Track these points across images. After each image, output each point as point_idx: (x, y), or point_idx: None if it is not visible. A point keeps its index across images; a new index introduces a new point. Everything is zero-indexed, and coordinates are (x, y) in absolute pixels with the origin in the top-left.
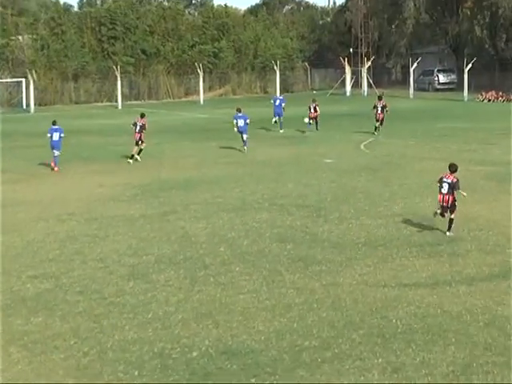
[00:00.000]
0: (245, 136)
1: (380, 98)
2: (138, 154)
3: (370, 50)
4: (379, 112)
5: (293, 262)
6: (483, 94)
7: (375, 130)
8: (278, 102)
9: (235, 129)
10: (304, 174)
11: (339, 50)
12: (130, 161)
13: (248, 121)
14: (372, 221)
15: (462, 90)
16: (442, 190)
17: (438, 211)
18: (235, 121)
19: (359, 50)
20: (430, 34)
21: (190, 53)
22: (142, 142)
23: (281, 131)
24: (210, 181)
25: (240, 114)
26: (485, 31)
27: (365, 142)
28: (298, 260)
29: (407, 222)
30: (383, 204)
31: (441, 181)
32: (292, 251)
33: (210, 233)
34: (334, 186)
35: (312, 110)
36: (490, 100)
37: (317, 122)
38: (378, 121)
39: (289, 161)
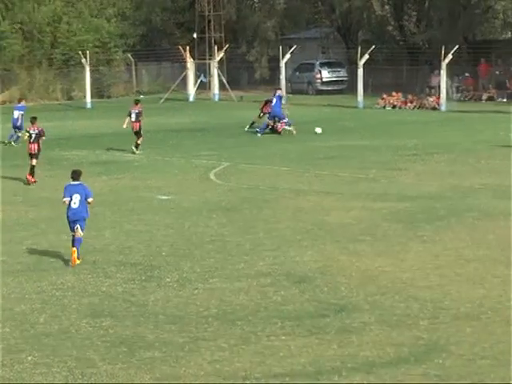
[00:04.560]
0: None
1: (137, 103)
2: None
3: (224, 35)
4: (134, 121)
5: (112, 347)
6: (385, 97)
7: (135, 147)
8: None
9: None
10: (127, 217)
11: (178, 34)
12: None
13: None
14: (227, 284)
15: (356, 92)
16: None
17: None
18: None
19: (207, 36)
20: (310, 12)
21: None
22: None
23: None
24: None
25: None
26: (387, 7)
27: (216, 170)
28: (120, 343)
29: (278, 284)
30: (243, 259)
31: None
32: (110, 330)
33: None
34: (171, 233)
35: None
36: (394, 106)
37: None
38: (135, 133)
39: (104, 198)
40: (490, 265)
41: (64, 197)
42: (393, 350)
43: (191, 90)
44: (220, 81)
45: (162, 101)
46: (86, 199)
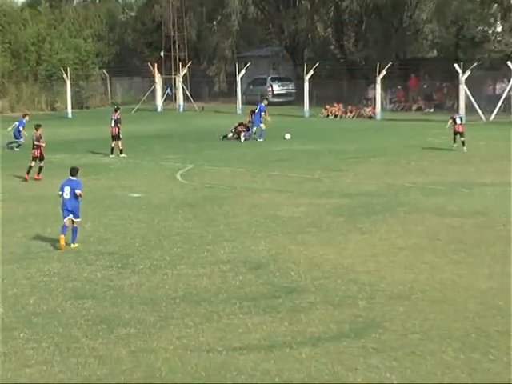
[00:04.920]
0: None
1: (116, 110)
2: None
3: (187, 53)
4: (112, 126)
5: (93, 325)
6: (327, 108)
7: (111, 151)
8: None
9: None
10: (104, 212)
11: (147, 53)
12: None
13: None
14: (192, 270)
15: (303, 103)
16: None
17: None
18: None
19: (172, 54)
20: (262, 34)
21: None
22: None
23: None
24: None
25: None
26: (329, 29)
27: (182, 171)
28: (100, 321)
29: (236, 270)
30: (206, 248)
31: None
32: (91, 310)
33: None
34: (143, 226)
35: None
36: (336, 116)
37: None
38: (113, 139)
39: (84, 196)
40: (419, 252)
41: (60, 190)
42: (336, 327)
43: (159, 101)
44: (184, 93)
45: (133, 111)
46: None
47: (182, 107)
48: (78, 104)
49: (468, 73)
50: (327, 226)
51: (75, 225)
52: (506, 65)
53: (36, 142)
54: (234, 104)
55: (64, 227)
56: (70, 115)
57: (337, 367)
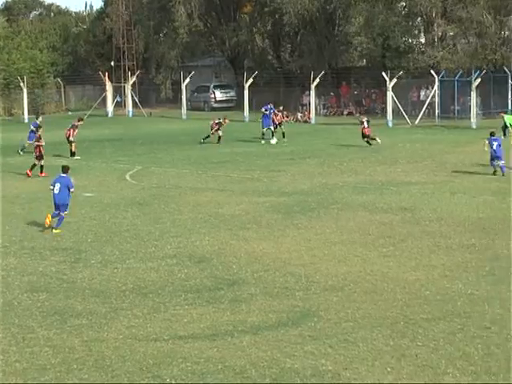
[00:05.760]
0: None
1: (80, 120)
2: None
3: (135, 63)
4: (67, 128)
5: (47, 316)
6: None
7: (71, 154)
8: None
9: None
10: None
11: (98, 63)
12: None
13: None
14: (141, 264)
15: (243, 108)
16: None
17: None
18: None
19: (122, 63)
20: (205, 44)
21: None
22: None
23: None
24: None
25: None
26: (267, 40)
27: (131, 172)
28: (54, 313)
29: (182, 264)
30: (153, 244)
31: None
32: (46, 302)
33: None
34: (95, 223)
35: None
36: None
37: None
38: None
39: (40, 195)
40: (351, 246)
41: (51, 185)
42: (274, 316)
43: (110, 107)
44: (133, 100)
45: (86, 116)
46: (68, 188)
47: (131, 113)
48: (34, 110)
49: (394, 80)
50: (266, 223)
51: (62, 215)
52: (430, 73)
53: (36, 143)
54: (180, 110)
55: (61, 218)
56: (26, 120)
57: (276, 354)
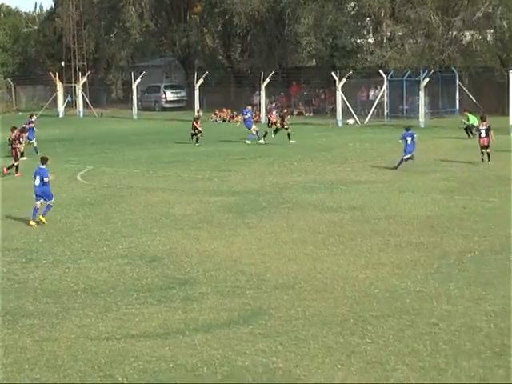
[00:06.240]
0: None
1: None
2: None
3: (86, 63)
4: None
5: None
6: (216, 113)
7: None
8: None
9: None
10: (9, 211)
11: (49, 63)
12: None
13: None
14: (92, 264)
15: (194, 108)
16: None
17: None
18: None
19: (73, 64)
20: (156, 45)
21: None
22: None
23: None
24: None
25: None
26: (217, 41)
27: (82, 172)
28: (5, 313)
29: (133, 264)
30: (105, 244)
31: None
32: None
33: None
34: (46, 224)
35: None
36: (224, 120)
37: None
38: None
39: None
40: (301, 245)
41: (33, 177)
42: (226, 314)
43: (61, 107)
44: (84, 100)
45: (36, 117)
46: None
47: (81, 113)
48: None
49: (344, 80)
50: (217, 222)
51: (49, 203)
52: (379, 73)
53: (13, 145)
54: (130, 110)
55: (35, 210)
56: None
57: (227, 352)
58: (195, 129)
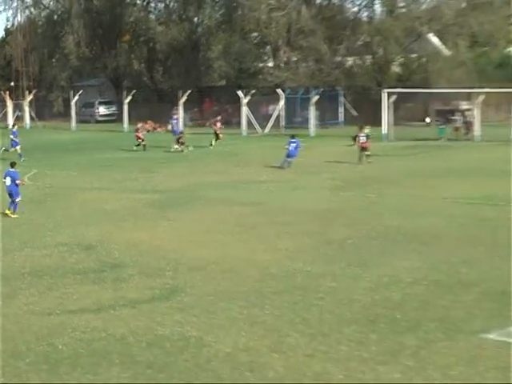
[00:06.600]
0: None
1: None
2: None
3: (32, 83)
4: None
5: None
6: (142, 124)
7: None
8: None
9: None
10: None
11: (0, 83)
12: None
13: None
14: (37, 251)
15: (123, 121)
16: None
17: None
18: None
19: (20, 84)
20: (91, 68)
21: None
22: None
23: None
24: None
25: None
26: (143, 64)
27: (28, 174)
28: None
29: (72, 251)
30: (48, 234)
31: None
32: None
33: None
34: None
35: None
36: (149, 131)
37: None
38: None
39: None
40: (212, 234)
41: (4, 178)
42: (149, 292)
43: (10, 121)
44: (30, 114)
45: None
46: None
47: (28, 125)
48: None
49: (248, 97)
50: (142, 216)
51: (16, 201)
52: (277, 91)
53: None
54: (70, 122)
55: (10, 204)
56: None
57: (150, 323)
58: (138, 138)
